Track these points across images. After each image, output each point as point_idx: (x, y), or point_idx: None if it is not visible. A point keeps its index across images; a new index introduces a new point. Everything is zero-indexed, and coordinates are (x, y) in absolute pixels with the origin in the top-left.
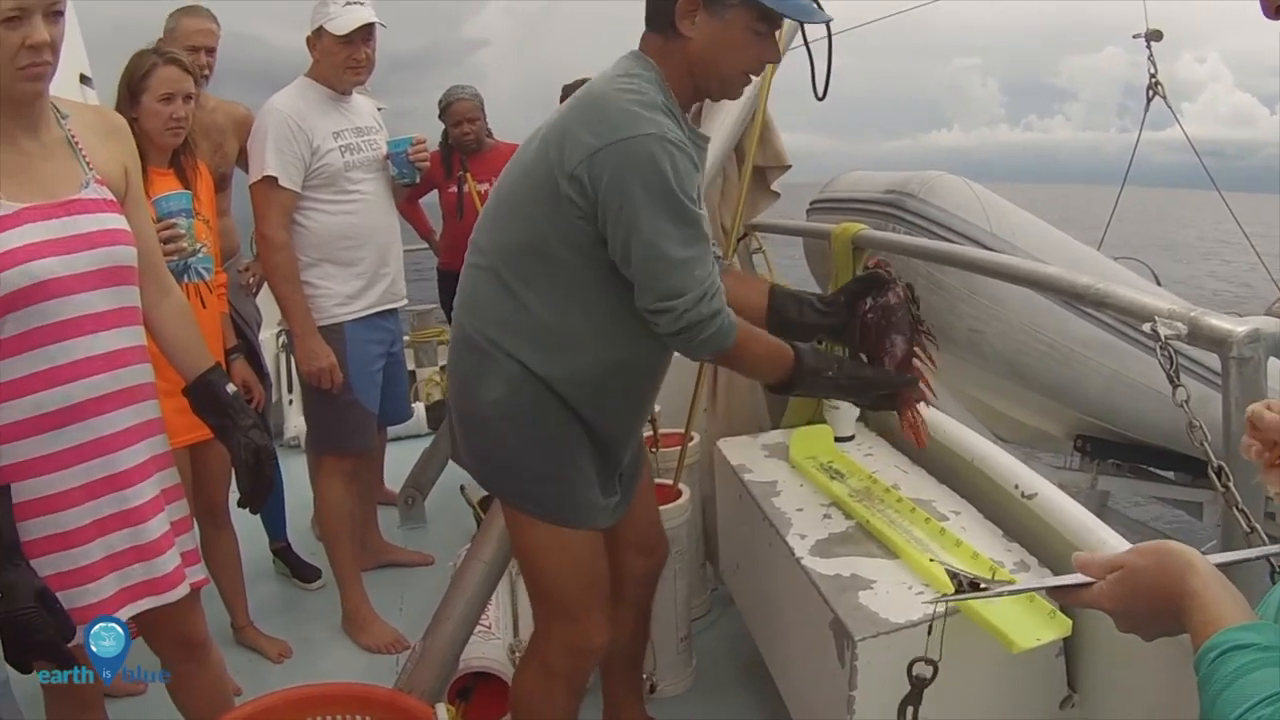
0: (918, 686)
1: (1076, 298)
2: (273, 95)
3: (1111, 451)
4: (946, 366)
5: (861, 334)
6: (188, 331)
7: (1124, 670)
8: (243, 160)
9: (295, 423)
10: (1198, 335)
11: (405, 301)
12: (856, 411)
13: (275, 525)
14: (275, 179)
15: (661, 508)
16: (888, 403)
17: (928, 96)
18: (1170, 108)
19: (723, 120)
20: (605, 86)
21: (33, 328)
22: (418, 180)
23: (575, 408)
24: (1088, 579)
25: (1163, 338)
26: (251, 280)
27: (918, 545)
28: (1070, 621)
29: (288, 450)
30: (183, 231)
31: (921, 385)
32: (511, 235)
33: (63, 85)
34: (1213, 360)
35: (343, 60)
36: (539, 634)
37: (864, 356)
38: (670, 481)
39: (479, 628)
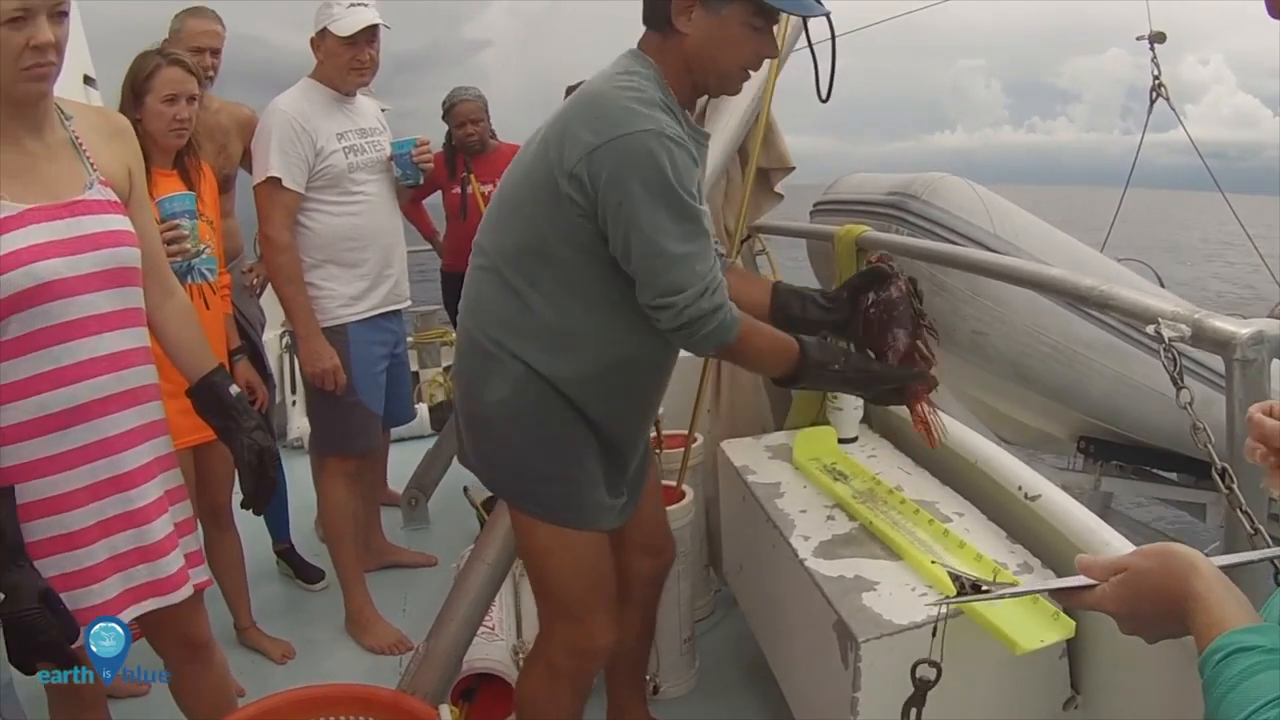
0: (921, 688)
1: (1080, 300)
2: (276, 96)
3: (1115, 453)
4: (950, 368)
5: (864, 328)
6: (191, 333)
7: (1128, 672)
8: (246, 161)
9: (299, 424)
10: (1201, 337)
11: (409, 303)
12: (860, 413)
13: (278, 526)
14: (279, 180)
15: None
16: (895, 397)
17: (931, 98)
18: (1174, 109)
19: (726, 122)
20: (603, 85)
21: (37, 329)
22: (421, 182)
23: (580, 407)
24: (1091, 581)
25: (1166, 340)
26: (255, 281)
27: (921, 547)
28: (1074, 623)
29: (291, 451)
30: (186, 233)
31: (929, 377)
32: (513, 236)
33: (66, 86)
34: (1216, 362)
35: (347, 61)
36: (544, 635)
37: (869, 351)
38: (674, 483)
39: (482, 629)
